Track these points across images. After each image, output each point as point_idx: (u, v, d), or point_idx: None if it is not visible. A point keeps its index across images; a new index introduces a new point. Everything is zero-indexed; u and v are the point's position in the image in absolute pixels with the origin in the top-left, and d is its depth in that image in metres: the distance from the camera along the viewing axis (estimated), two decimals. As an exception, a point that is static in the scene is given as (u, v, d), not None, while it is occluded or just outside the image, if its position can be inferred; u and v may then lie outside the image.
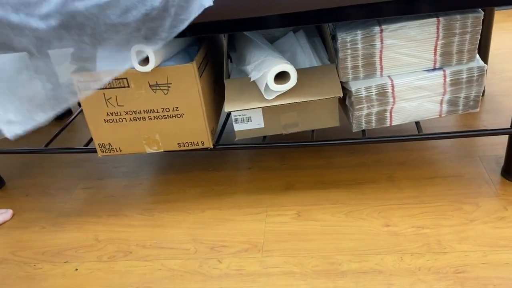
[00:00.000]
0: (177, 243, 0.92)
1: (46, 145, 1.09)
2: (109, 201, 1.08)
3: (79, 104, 1.52)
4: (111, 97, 0.92)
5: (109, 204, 1.07)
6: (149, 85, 0.91)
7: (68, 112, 1.51)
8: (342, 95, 0.87)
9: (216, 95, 1.05)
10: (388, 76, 0.91)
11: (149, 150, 0.99)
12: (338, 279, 0.79)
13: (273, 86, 0.84)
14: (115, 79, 0.90)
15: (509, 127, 0.92)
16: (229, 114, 1.12)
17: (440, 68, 0.90)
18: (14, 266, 0.92)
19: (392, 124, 0.95)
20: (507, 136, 0.95)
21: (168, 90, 0.91)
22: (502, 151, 1.01)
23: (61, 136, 1.17)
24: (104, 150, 1.00)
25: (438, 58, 0.90)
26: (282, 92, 0.86)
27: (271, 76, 0.83)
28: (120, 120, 0.95)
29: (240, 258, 0.87)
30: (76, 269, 0.89)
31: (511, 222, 0.86)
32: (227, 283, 0.82)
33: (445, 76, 0.90)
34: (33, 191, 1.16)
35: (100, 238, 0.96)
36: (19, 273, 0.90)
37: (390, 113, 0.94)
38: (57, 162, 1.27)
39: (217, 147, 1.00)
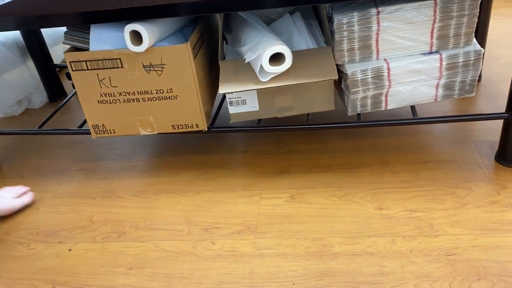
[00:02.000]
0: (170, 224, 0.93)
1: (40, 126, 1.08)
2: (103, 183, 1.07)
3: (73, 86, 1.51)
4: (104, 78, 0.92)
5: (103, 185, 1.07)
6: (143, 65, 0.90)
7: (62, 94, 1.51)
8: (337, 77, 0.86)
9: (211, 77, 1.04)
10: (384, 59, 0.90)
11: (143, 132, 0.99)
12: (330, 260, 0.79)
13: (268, 67, 0.83)
14: (108, 59, 0.89)
15: (504, 112, 0.92)
16: (224, 96, 1.12)
17: (436, 52, 0.90)
18: (8, 246, 0.92)
19: (388, 108, 0.95)
20: (501, 121, 0.95)
21: (162, 71, 0.90)
22: (496, 136, 1.01)
23: (55, 118, 1.17)
24: (98, 131, 0.99)
25: (434, 41, 0.89)
26: (277, 74, 0.86)
27: (266, 57, 0.82)
28: (114, 101, 0.95)
29: (233, 240, 0.87)
30: (70, 250, 0.90)
31: (503, 206, 0.86)
32: (219, 264, 0.82)
33: (441, 60, 0.89)
34: (28, 172, 1.15)
35: (94, 219, 0.97)
36: (13, 253, 0.90)
37: (386, 96, 0.94)
38: (51, 144, 1.27)
39: (211, 129, 1.00)
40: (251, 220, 0.91)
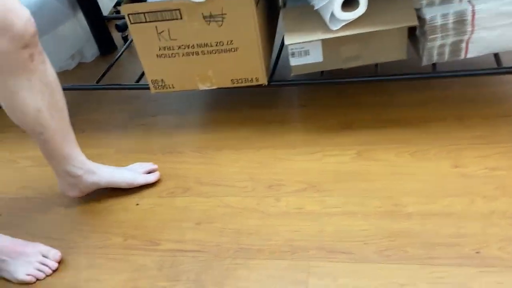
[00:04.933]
0: (233, 181, 0.92)
1: (98, 81, 1.08)
2: (163, 138, 1.07)
3: (124, 39, 1.49)
4: (163, 30, 0.88)
5: (163, 141, 1.06)
6: (203, 16, 0.85)
7: (112, 47, 1.49)
8: (417, 23, 0.78)
9: (270, 27, 0.98)
10: (469, 1, 0.81)
11: (202, 87, 0.96)
12: (403, 220, 0.76)
13: (341, 14, 0.76)
14: (167, 10, 0.85)
15: None
16: (281, 48, 1.06)
17: (531, -10, 0.79)
18: (79, 200, 0.95)
19: (467, 57, 0.87)
20: None
21: (222, 21, 0.86)
22: None
23: (108, 73, 1.16)
24: (157, 86, 0.97)
25: (529, -22, 0.78)
26: (350, 20, 0.79)
27: (339, 3, 0.75)
28: (173, 55, 0.91)
29: (298, 198, 0.85)
30: (137, 204, 0.91)
31: None
32: (287, 221, 0.81)
33: (536, 0, 0.79)
34: (88, 127, 1.17)
35: (158, 174, 0.97)
36: (85, 208, 0.93)
37: (467, 44, 0.85)
38: (107, 98, 1.27)
39: (271, 83, 0.95)
40: (315, 177, 0.88)
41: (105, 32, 1.46)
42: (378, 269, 0.70)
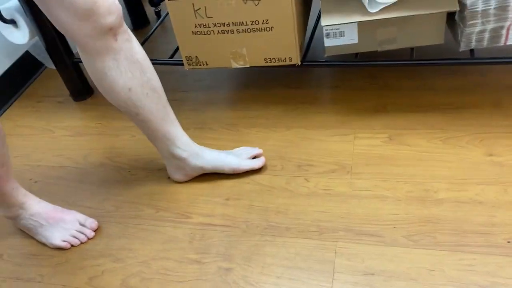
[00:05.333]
0: (263, 159, 0.93)
1: (132, 56, 1.09)
2: (194, 114, 1.09)
3: (157, 14, 1.50)
4: (200, 8, 0.88)
5: (194, 117, 1.08)
6: (240, -6, 0.85)
7: (145, 21, 1.49)
8: (458, 8, 0.77)
9: (305, 7, 0.97)
10: (515, -14, 0.78)
11: (235, 65, 0.97)
12: (434, 206, 0.76)
13: (381, -4, 0.75)
14: (205, -13, 0.85)
15: None
16: (315, 28, 1.05)
17: None
18: (112, 170, 0.99)
19: (507, 43, 0.84)
20: None
21: (259, 1, 0.85)
22: None
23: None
24: (191, 63, 0.98)
25: None
26: (389, 3, 0.77)
27: (381, -16, 0.73)
28: (208, 32, 0.92)
29: (328, 179, 0.86)
30: (169, 178, 0.94)
31: None
32: (315, 201, 0.82)
33: None
34: (120, 101, 1.19)
35: (188, 150, 0.99)
36: (118, 179, 0.97)
37: (507, 30, 0.82)
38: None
39: (305, 64, 0.95)
40: (345, 159, 0.89)
41: (139, 6, 1.47)
42: (406, 253, 0.71)
